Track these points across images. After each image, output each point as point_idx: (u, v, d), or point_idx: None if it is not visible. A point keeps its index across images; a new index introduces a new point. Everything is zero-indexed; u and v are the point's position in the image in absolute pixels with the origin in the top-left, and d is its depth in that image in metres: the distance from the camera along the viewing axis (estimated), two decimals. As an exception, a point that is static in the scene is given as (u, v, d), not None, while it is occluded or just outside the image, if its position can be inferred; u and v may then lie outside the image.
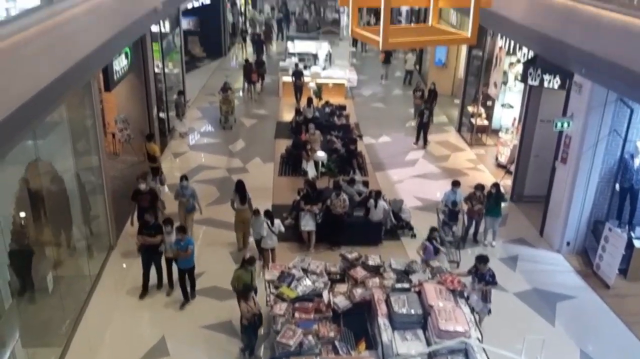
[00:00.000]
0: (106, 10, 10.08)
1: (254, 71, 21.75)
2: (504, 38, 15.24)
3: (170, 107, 17.94)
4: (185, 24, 23.68)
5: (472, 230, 12.17)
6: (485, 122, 17.85)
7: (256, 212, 10.61)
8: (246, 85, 22.01)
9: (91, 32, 9.24)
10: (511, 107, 17.13)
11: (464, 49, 20.11)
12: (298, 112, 18.00)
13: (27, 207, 8.64)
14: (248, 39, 28.29)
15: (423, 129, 17.49)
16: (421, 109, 17.84)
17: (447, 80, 22.53)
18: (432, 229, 10.50)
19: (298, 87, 20.91)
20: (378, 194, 12.09)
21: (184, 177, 11.66)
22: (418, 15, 26.57)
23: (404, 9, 29.29)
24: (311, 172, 14.67)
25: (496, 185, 11.97)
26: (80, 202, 10.54)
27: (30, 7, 7.53)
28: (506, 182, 14.31)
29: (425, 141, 17.57)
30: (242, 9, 33.17)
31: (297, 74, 20.90)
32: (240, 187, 11.30)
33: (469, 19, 6.39)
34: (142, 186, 11.09)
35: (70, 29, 8.26)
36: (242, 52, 26.94)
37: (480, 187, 11.83)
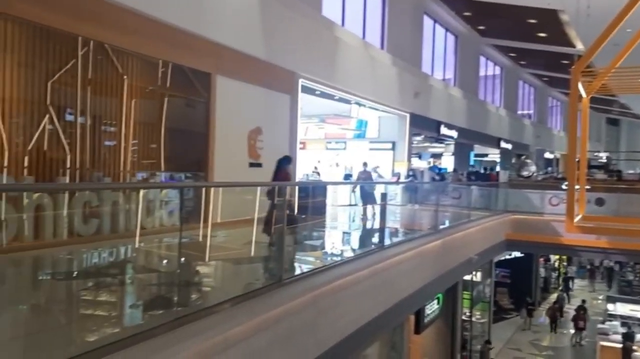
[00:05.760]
0: (428, 257, 10.60)
1: (580, 317, 21.74)
2: None
3: (472, 356, 17.23)
4: (497, 275, 23.62)
5: None
6: None
7: None
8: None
9: (412, 277, 9.73)
10: None
11: None
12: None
13: None
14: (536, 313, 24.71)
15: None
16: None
17: None
18: None
19: (626, 350, 18.15)
20: None
21: None
22: None
23: None
24: None
25: None
26: None
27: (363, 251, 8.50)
28: None
29: None
30: (556, 264, 31.79)
31: (628, 336, 18.44)
32: None
33: None
34: None
35: (394, 272, 8.84)
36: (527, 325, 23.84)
37: None
